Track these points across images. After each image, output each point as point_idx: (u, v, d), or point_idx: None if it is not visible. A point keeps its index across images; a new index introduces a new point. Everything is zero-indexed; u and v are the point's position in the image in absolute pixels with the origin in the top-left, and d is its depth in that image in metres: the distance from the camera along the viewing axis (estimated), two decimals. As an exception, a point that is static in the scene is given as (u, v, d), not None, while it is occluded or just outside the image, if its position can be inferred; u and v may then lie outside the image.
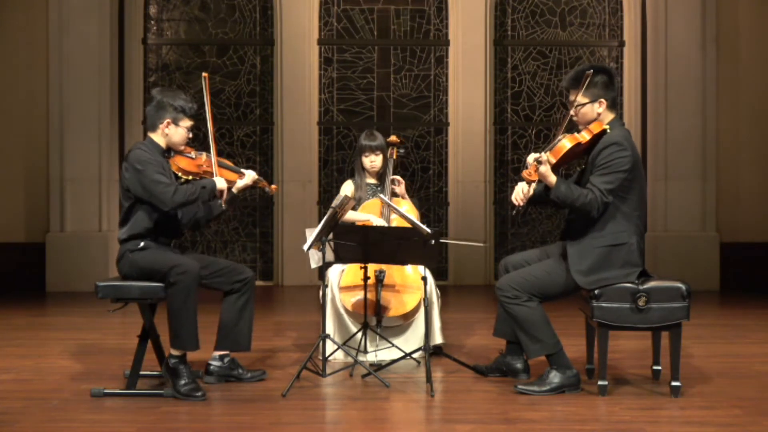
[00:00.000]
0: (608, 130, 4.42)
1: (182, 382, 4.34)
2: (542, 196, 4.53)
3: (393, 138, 5.63)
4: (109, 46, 9.46)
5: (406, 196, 5.65)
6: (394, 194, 5.59)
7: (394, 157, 5.59)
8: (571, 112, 4.49)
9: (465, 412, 4.13)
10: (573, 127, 4.55)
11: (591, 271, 4.36)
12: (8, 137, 9.52)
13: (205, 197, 4.57)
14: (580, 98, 4.45)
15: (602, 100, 4.45)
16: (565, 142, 4.38)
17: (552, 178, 4.35)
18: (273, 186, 5.02)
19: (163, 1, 10.04)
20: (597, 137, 4.42)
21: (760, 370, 5.08)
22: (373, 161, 5.57)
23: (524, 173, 4.43)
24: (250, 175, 4.79)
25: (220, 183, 4.61)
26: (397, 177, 5.59)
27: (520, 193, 4.47)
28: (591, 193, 4.31)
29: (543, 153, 4.38)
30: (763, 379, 4.84)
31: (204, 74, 4.78)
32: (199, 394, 4.31)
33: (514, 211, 4.54)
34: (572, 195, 4.32)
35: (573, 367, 4.46)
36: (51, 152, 9.42)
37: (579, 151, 4.47)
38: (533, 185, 4.48)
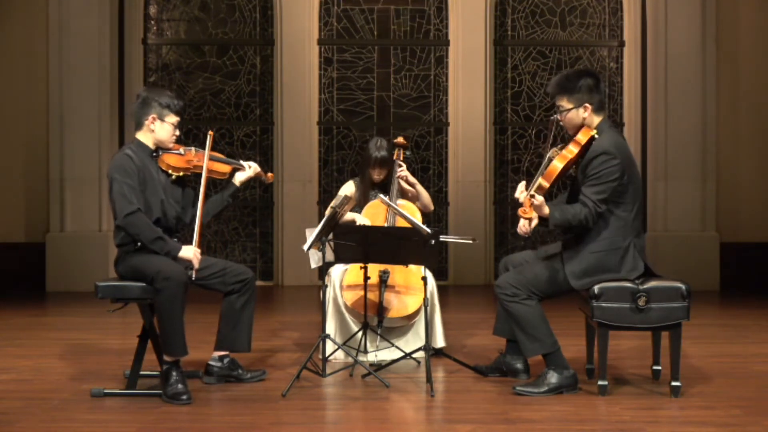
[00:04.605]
0: (596, 136, 4.42)
1: (169, 387, 4.32)
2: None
3: (400, 140, 5.62)
4: (109, 46, 9.46)
5: (417, 182, 5.63)
6: (404, 195, 5.58)
7: (401, 158, 5.59)
8: (558, 118, 4.52)
9: (465, 412, 4.13)
10: (560, 134, 4.58)
11: (585, 275, 4.38)
12: (8, 137, 9.53)
13: (157, 248, 4.43)
14: (565, 104, 4.48)
15: (587, 104, 4.46)
16: (557, 164, 4.38)
17: (546, 210, 4.34)
18: (269, 174, 5.02)
19: (163, 1, 10.04)
20: (586, 146, 4.42)
21: (760, 370, 5.08)
22: (380, 173, 5.56)
23: (520, 211, 4.44)
24: (252, 167, 4.84)
25: (186, 252, 4.49)
26: (403, 168, 5.56)
27: (524, 227, 4.54)
28: (584, 208, 4.32)
29: (533, 185, 4.39)
30: (763, 379, 4.84)
31: (210, 132, 4.74)
32: (184, 398, 4.25)
33: (523, 242, 4.65)
34: (567, 217, 4.34)
35: (570, 368, 4.46)
36: (51, 152, 9.42)
37: (570, 166, 4.48)
38: (534, 220, 4.54)
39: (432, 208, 5.70)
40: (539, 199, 4.32)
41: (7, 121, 9.52)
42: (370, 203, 5.52)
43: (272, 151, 9.97)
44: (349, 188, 5.64)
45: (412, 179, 5.61)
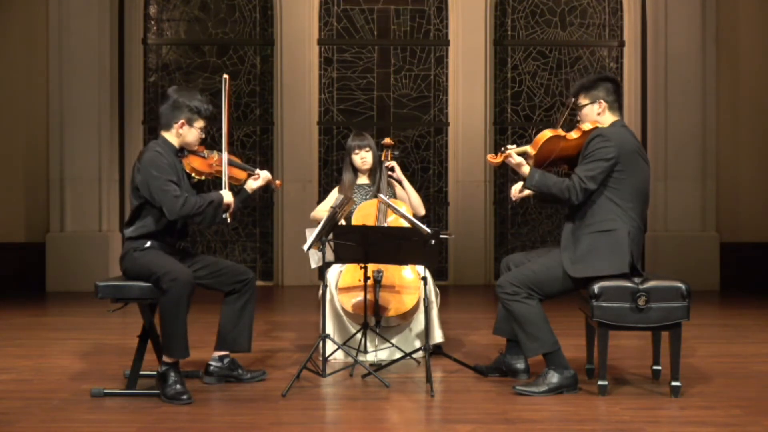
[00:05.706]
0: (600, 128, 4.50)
1: (168, 388, 4.32)
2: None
3: (387, 140, 5.63)
4: (109, 46, 9.46)
5: (405, 180, 5.64)
6: (392, 195, 5.60)
7: (389, 159, 5.59)
8: (578, 116, 4.63)
9: (465, 412, 4.13)
10: (572, 127, 4.64)
11: (579, 259, 4.40)
12: (8, 137, 9.53)
13: (210, 213, 4.53)
14: (582, 100, 4.59)
15: (601, 101, 4.53)
16: (546, 132, 4.50)
17: (525, 169, 4.49)
18: (277, 181, 5.05)
19: (163, 1, 10.04)
20: (587, 135, 4.48)
21: (760, 370, 5.08)
22: (364, 158, 5.59)
23: (489, 156, 4.59)
24: (263, 175, 4.84)
25: (227, 197, 4.61)
26: (393, 163, 5.59)
27: (514, 190, 4.76)
28: (568, 180, 4.42)
29: (521, 148, 4.55)
30: (763, 379, 4.84)
31: (225, 76, 4.75)
32: (185, 397, 4.26)
33: (510, 205, 4.83)
34: (548, 183, 4.45)
35: (570, 368, 4.46)
36: (51, 152, 9.43)
37: (566, 148, 4.52)
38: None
39: (422, 212, 5.63)
40: (516, 158, 4.48)
41: (7, 121, 9.53)
42: (362, 204, 5.53)
43: (272, 151, 9.98)
44: (333, 196, 5.67)
45: (400, 176, 5.62)
